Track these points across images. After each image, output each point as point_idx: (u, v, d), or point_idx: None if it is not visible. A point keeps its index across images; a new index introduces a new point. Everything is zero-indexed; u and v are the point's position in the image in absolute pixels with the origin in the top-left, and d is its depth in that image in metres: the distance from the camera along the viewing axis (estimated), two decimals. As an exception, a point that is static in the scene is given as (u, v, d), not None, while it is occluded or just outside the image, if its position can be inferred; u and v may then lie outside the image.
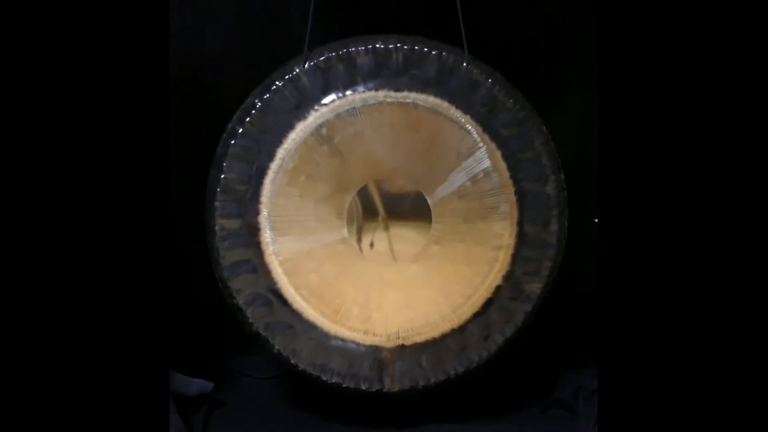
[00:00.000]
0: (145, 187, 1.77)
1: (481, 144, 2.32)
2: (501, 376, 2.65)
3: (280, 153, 2.33)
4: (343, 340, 2.41)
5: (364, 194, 2.38)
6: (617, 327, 1.75)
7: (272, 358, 2.52)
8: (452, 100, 2.31)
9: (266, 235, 2.36)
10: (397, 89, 2.31)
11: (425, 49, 2.30)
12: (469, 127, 2.31)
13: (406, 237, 2.41)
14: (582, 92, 2.76)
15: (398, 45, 2.30)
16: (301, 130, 2.32)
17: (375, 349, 2.41)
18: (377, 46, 2.30)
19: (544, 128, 2.34)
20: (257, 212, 2.35)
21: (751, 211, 1.69)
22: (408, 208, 2.39)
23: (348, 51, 2.30)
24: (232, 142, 2.34)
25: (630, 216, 1.75)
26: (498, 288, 2.39)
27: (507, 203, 2.35)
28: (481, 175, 2.34)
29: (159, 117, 1.79)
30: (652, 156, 1.73)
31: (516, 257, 2.37)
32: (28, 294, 1.70)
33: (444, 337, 2.41)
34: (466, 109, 2.31)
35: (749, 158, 1.69)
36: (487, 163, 2.33)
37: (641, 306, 1.73)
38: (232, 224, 2.36)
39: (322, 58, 2.31)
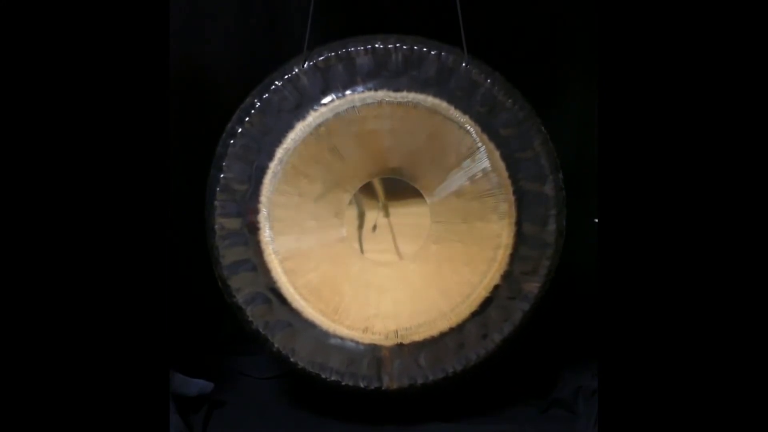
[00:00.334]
0: (145, 187, 1.77)
1: (480, 144, 2.32)
2: (500, 375, 2.65)
3: (280, 152, 2.33)
4: (342, 338, 2.41)
5: (363, 194, 2.38)
6: (617, 327, 1.75)
7: (272, 357, 2.52)
8: (451, 101, 2.31)
9: (266, 234, 2.37)
10: (397, 89, 2.31)
11: (425, 49, 2.30)
12: (469, 127, 2.32)
13: (404, 236, 2.41)
14: (582, 92, 2.76)
15: (398, 45, 2.30)
16: (300, 129, 2.32)
17: (374, 348, 2.42)
18: (377, 46, 2.30)
19: (543, 128, 2.35)
20: (257, 211, 2.36)
21: (751, 211, 1.69)
22: (407, 207, 2.39)
23: (347, 51, 2.30)
24: (232, 141, 2.34)
25: (630, 216, 1.75)
26: (496, 287, 2.39)
27: (506, 203, 2.35)
28: (480, 175, 2.34)
29: (159, 117, 1.78)
30: (652, 156, 1.73)
31: (514, 257, 2.38)
32: (28, 294, 1.70)
33: (442, 335, 2.41)
34: (465, 109, 2.31)
35: (749, 158, 1.69)
36: (486, 163, 2.33)
37: (641, 306, 1.73)
38: (232, 223, 2.36)
39: (322, 58, 2.31)
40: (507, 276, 2.38)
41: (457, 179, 2.35)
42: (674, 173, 1.72)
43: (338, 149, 2.33)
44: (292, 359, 2.42)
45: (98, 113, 1.74)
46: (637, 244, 1.74)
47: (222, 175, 2.34)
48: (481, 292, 2.39)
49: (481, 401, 2.61)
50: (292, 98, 2.32)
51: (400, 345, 2.42)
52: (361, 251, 2.40)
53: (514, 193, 2.35)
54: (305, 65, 2.31)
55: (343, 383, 2.43)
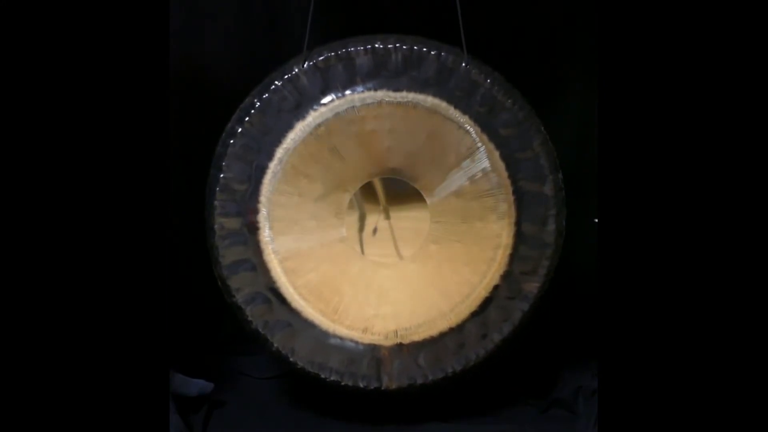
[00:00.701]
0: (145, 187, 1.77)
1: (479, 144, 2.32)
2: (500, 375, 2.65)
3: (280, 152, 2.33)
4: (341, 338, 2.41)
5: (363, 194, 2.38)
6: (617, 327, 1.75)
7: (271, 357, 2.52)
8: (451, 101, 2.31)
9: (265, 234, 2.37)
10: (396, 89, 2.31)
11: (424, 49, 2.30)
12: (468, 128, 2.32)
13: (404, 236, 2.41)
14: (582, 92, 2.76)
15: (397, 45, 2.30)
16: (300, 129, 2.32)
17: (373, 348, 2.42)
18: (376, 46, 2.30)
19: (543, 128, 2.35)
20: (256, 211, 2.36)
21: (750, 211, 1.69)
22: (406, 207, 2.39)
23: (347, 51, 2.30)
24: (232, 141, 2.34)
25: (630, 216, 1.75)
26: (496, 287, 2.39)
27: (505, 203, 2.35)
28: (480, 175, 2.34)
29: (159, 117, 1.78)
30: (652, 156, 1.73)
31: (514, 257, 2.38)
32: (28, 293, 1.70)
33: (442, 335, 2.42)
34: (465, 109, 2.31)
35: (749, 158, 1.69)
36: (485, 163, 2.33)
37: (641, 306, 1.73)
38: (232, 223, 2.36)
39: (322, 58, 2.31)
40: (507, 276, 2.39)
41: (457, 179, 2.35)
42: (674, 173, 1.72)
43: (338, 149, 2.33)
44: (291, 359, 2.42)
45: (98, 113, 1.74)
46: (637, 244, 1.74)
47: (222, 175, 2.34)
48: (480, 292, 2.39)
49: (480, 401, 2.61)
50: (291, 98, 2.32)
51: (400, 345, 2.42)
52: (361, 251, 2.41)
53: (514, 193, 2.35)
54: (305, 65, 2.31)
55: (343, 383, 2.43)
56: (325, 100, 2.32)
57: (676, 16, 1.72)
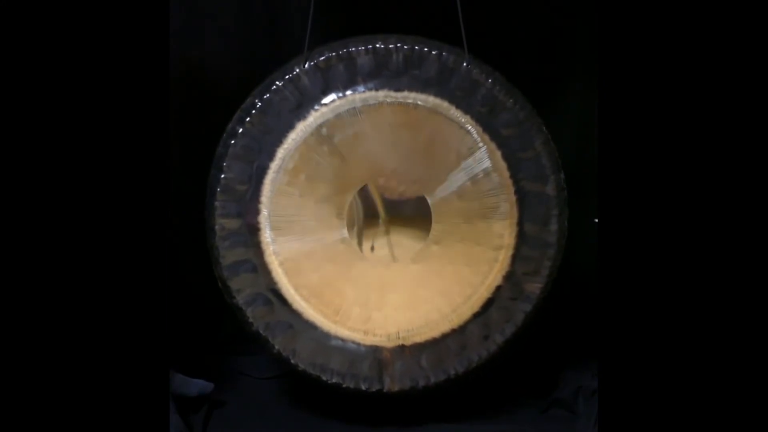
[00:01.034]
0: (145, 187, 1.77)
1: (481, 144, 2.32)
2: (501, 376, 2.65)
3: (281, 153, 2.33)
4: (343, 340, 2.41)
5: (364, 194, 2.38)
6: (617, 327, 1.75)
7: (272, 358, 2.52)
8: (452, 100, 2.31)
9: (266, 235, 2.36)
10: (398, 89, 2.31)
11: (425, 49, 2.30)
12: (469, 127, 2.31)
13: (406, 237, 2.41)
14: (582, 92, 2.76)
15: (398, 45, 2.30)
16: (301, 129, 2.32)
17: (375, 349, 2.41)
18: (377, 46, 2.30)
19: (544, 128, 2.34)
20: (257, 212, 2.36)
21: (750, 211, 1.69)
22: (408, 208, 2.39)
23: (348, 51, 2.30)
24: (233, 141, 2.34)
25: (630, 216, 1.74)
26: (498, 288, 2.39)
27: (507, 203, 2.35)
28: (481, 175, 2.34)
29: (159, 117, 1.78)
30: (652, 156, 1.73)
31: (516, 257, 2.38)
32: (28, 293, 1.70)
33: (444, 337, 2.41)
34: (466, 109, 2.31)
35: (749, 158, 1.69)
36: (487, 163, 2.33)
37: (641, 306, 1.73)
38: (232, 224, 2.36)
39: (323, 58, 2.31)
40: (509, 276, 2.38)
41: (458, 179, 2.35)
42: (674, 173, 1.72)
43: (339, 149, 2.33)
44: (292, 361, 2.42)
45: (98, 113, 1.74)
46: (637, 244, 1.74)
47: (222, 176, 2.34)
48: (482, 293, 2.39)
49: (481, 401, 2.61)
50: (292, 98, 2.32)
51: (402, 346, 2.41)
52: (362, 252, 2.40)
53: (516, 193, 2.35)
54: (306, 65, 2.31)
55: (345, 385, 2.43)
56: (326, 100, 2.32)
57: (676, 16, 1.72)
